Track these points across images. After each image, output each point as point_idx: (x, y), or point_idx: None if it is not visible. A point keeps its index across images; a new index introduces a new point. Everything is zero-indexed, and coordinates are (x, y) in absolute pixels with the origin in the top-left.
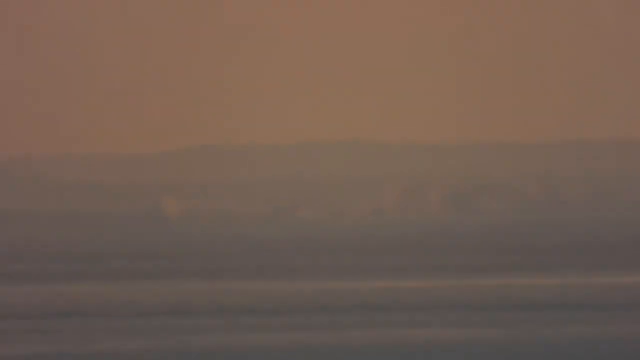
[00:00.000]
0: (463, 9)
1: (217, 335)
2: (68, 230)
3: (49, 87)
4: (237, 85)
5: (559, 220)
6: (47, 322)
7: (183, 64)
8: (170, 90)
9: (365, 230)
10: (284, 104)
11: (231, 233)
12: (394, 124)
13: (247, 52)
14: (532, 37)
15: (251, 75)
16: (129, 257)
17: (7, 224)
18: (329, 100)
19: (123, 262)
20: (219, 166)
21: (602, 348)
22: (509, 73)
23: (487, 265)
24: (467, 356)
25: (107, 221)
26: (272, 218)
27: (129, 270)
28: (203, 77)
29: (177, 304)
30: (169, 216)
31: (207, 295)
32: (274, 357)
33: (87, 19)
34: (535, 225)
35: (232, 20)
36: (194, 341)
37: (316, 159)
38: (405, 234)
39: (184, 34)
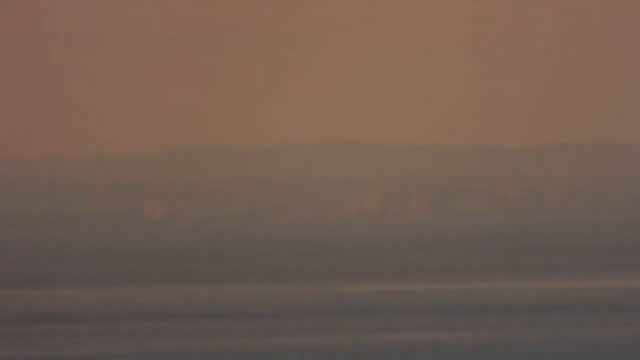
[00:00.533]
0: (438, 14)
1: (198, 339)
2: (44, 231)
3: (22, 91)
4: (219, 88)
5: (539, 222)
6: (19, 328)
7: (162, 66)
8: (148, 93)
9: (349, 231)
10: (267, 106)
11: (216, 234)
12: (378, 126)
13: (230, 55)
14: (511, 43)
15: (233, 78)
16: (110, 258)
17: None
18: (313, 102)
19: (103, 264)
20: (203, 168)
21: (581, 350)
22: (490, 78)
23: (468, 267)
24: (451, 358)
25: (85, 222)
26: (257, 219)
27: (108, 273)
28: (185, 79)
29: (158, 306)
30: (151, 218)
31: (191, 298)
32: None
33: (55, 21)
34: (515, 227)
35: (213, 22)
36: (175, 344)
37: (300, 161)
38: (387, 235)
39: (169, 36)
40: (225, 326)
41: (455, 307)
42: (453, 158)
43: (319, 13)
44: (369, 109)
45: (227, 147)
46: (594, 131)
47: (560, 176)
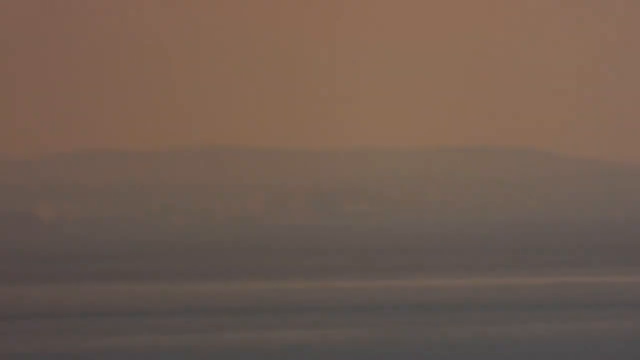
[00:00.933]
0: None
1: (83, 337)
2: None
3: None
4: (117, 91)
5: (420, 221)
6: None
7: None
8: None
9: (234, 233)
10: (154, 110)
11: (101, 236)
12: (264, 130)
13: (137, 62)
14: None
15: (122, 83)
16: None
17: None
18: (202, 109)
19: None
20: (95, 172)
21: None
22: (382, 81)
23: (350, 266)
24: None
25: None
26: (145, 222)
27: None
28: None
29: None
30: (43, 219)
31: (77, 296)
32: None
33: None
34: (397, 227)
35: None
36: (64, 343)
37: (187, 165)
38: (272, 237)
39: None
40: (114, 324)
41: (332, 306)
42: (343, 162)
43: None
44: (256, 114)
45: (129, 152)
46: (470, 135)
47: (442, 178)
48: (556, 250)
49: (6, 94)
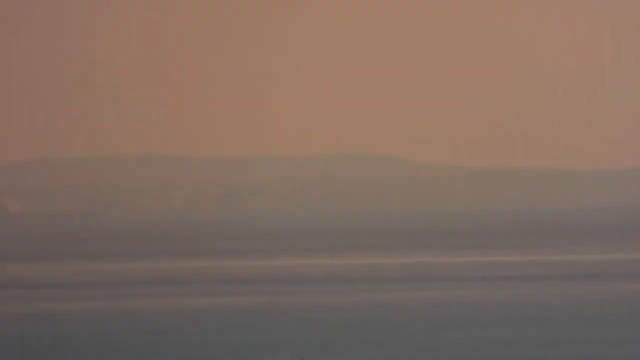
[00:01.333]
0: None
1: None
2: None
3: None
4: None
5: (303, 215)
6: None
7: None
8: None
9: (158, 224)
10: (83, 117)
11: (55, 229)
12: (182, 140)
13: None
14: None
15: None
16: None
17: None
18: (129, 115)
19: None
20: (55, 172)
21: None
22: (300, 92)
23: (255, 249)
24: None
25: None
26: (89, 216)
27: None
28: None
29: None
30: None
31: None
32: None
33: None
34: (286, 219)
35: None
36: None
37: (123, 170)
38: (188, 225)
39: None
40: (60, 295)
41: (239, 279)
42: (246, 167)
43: None
44: (177, 126)
45: (74, 157)
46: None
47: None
48: (372, 236)
49: None
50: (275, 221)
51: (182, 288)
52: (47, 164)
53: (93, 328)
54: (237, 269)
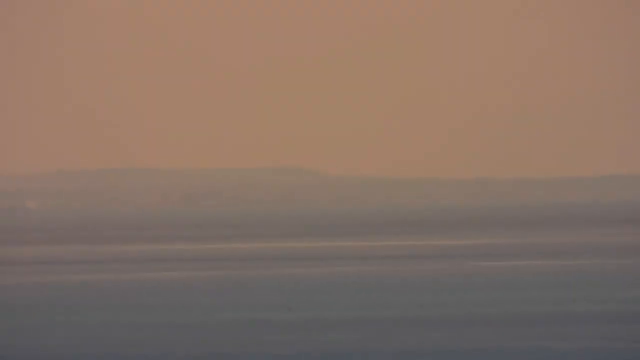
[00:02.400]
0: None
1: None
2: None
3: None
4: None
5: (250, 210)
6: None
7: None
8: None
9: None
10: (42, 133)
11: (21, 221)
12: (159, 153)
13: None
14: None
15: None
16: None
17: None
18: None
19: None
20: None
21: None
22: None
23: (206, 236)
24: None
25: None
26: (50, 209)
27: None
28: None
29: None
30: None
31: None
32: None
33: None
34: (269, 216)
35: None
36: None
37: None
38: (151, 220)
39: None
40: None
41: (198, 259)
42: (200, 175)
43: None
44: (146, 137)
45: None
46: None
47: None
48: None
49: None
50: (224, 214)
51: (153, 266)
52: (62, 173)
53: (93, 294)
54: (201, 251)
